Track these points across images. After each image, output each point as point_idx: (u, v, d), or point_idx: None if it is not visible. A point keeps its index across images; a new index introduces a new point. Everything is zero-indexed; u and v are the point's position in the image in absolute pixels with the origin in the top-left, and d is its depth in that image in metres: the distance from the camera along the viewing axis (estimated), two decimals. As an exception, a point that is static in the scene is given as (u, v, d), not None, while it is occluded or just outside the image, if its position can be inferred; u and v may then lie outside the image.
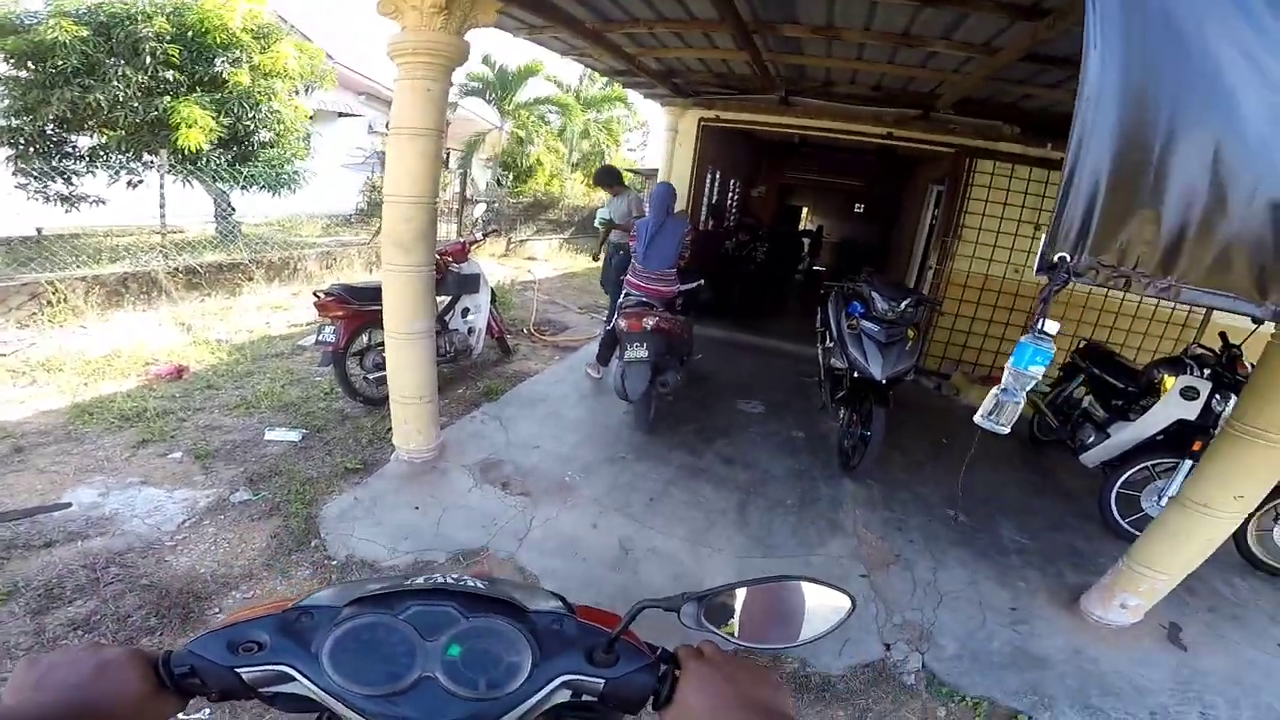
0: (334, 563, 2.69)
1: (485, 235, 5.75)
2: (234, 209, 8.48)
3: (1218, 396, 3.23)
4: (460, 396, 4.44)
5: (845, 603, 0.71)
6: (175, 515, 2.87)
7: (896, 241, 10.14)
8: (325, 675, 0.63)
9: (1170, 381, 3.38)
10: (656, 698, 0.65)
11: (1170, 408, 3.31)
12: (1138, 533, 2.92)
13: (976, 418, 1.70)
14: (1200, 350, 3.60)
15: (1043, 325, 1.58)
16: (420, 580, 0.73)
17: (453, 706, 0.62)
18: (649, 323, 3.75)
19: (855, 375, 3.67)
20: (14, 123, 6.96)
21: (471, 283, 4.65)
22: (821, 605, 0.71)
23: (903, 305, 3.66)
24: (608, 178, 5.48)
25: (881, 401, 3.51)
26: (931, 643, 2.53)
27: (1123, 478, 3.43)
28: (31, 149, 7.17)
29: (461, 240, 4.72)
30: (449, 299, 4.58)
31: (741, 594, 0.71)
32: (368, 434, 3.73)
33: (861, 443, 3.68)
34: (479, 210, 5.79)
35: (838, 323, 3.91)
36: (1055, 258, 1.40)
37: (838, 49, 4.17)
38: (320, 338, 3.70)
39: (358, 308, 3.78)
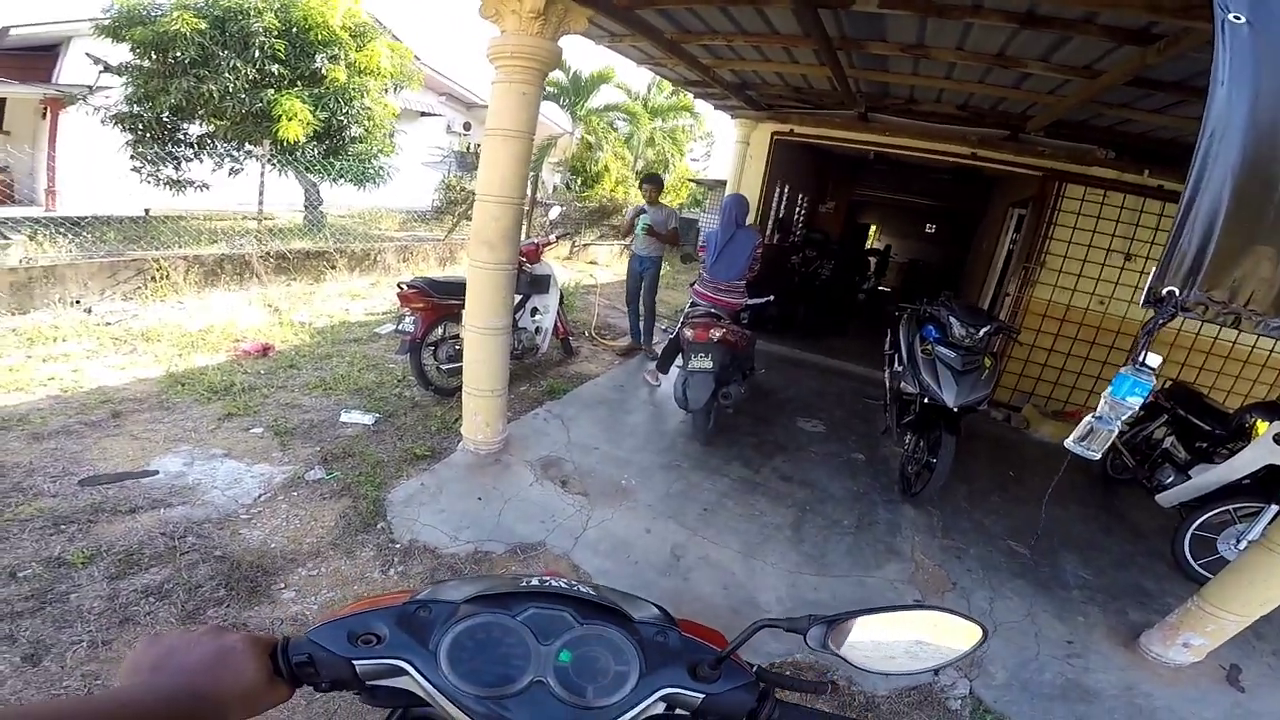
0: (397, 546, 2.77)
1: (558, 238, 5.91)
2: (321, 200, 8.96)
3: None
4: (524, 393, 4.55)
5: (976, 633, 0.70)
6: (252, 489, 3.02)
7: (970, 265, 9.78)
8: (440, 673, 0.63)
9: (1263, 426, 3.27)
10: (753, 716, 0.65)
11: (1262, 452, 3.18)
12: (1210, 575, 2.86)
13: (1068, 442, 1.69)
14: (1299, 396, 3.40)
15: (1144, 358, 1.56)
16: (535, 581, 0.73)
17: (559, 713, 0.62)
18: (715, 334, 3.76)
19: (925, 401, 3.58)
20: (135, 110, 7.55)
21: (542, 283, 4.78)
22: (949, 634, 0.70)
23: (981, 332, 3.55)
24: (654, 183, 5.49)
25: (951, 429, 3.41)
26: (981, 670, 2.48)
27: (1200, 520, 3.32)
28: (148, 135, 7.76)
29: (535, 241, 4.84)
30: (520, 298, 4.71)
31: (866, 620, 0.69)
32: (437, 422, 3.88)
33: (926, 470, 3.59)
34: (553, 213, 5.94)
35: (910, 346, 3.82)
36: (1164, 291, 1.37)
37: (925, 67, 4.09)
38: (400, 327, 3.88)
39: (437, 301, 3.95)
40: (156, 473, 3.02)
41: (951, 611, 0.70)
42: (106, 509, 2.71)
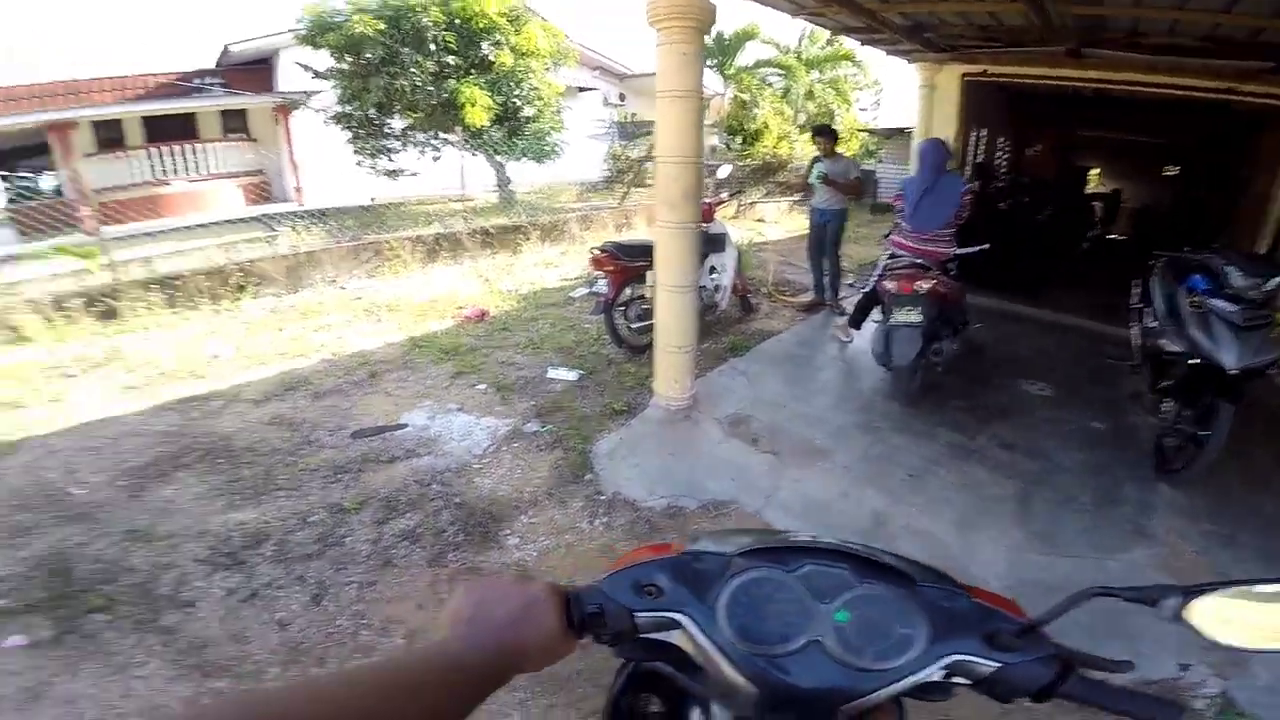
0: (602, 498, 2.92)
1: (731, 195, 5.84)
2: (509, 179, 9.71)
3: None
4: (707, 351, 4.59)
5: None
6: (482, 440, 3.37)
7: (1231, 211, 8.00)
8: (718, 628, 0.61)
9: None
10: (1046, 690, 0.58)
11: None
12: None
13: None
14: None
15: None
16: (807, 537, 0.70)
17: (834, 674, 0.58)
18: (923, 286, 3.47)
19: (1193, 362, 2.99)
20: (346, 109, 8.67)
21: (718, 242, 4.79)
22: None
23: (1272, 282, 2.89)
24: (827, 134, 5.18)
25: (1230, 396, 2.82)
26: (1243, 670, 2.10)
27: None
28: (362, 131, 8.90)
29: (706, 201, 4.83)
30: (699, 258, 4.75)
31: (1232, 591, 0.59)
32: (631, 379, 4.07)
33: (1191, 443, 3.02)
34: (722, 171, 5.89)
35: (1170, 298, 3.22)
36: None
37: None
38: (594, 289, 4.13)
39: (626, 263, 4.13)
40: (406, 425, 3.48)
41: None
42: (372, 459, 3.14)
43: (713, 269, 4.89)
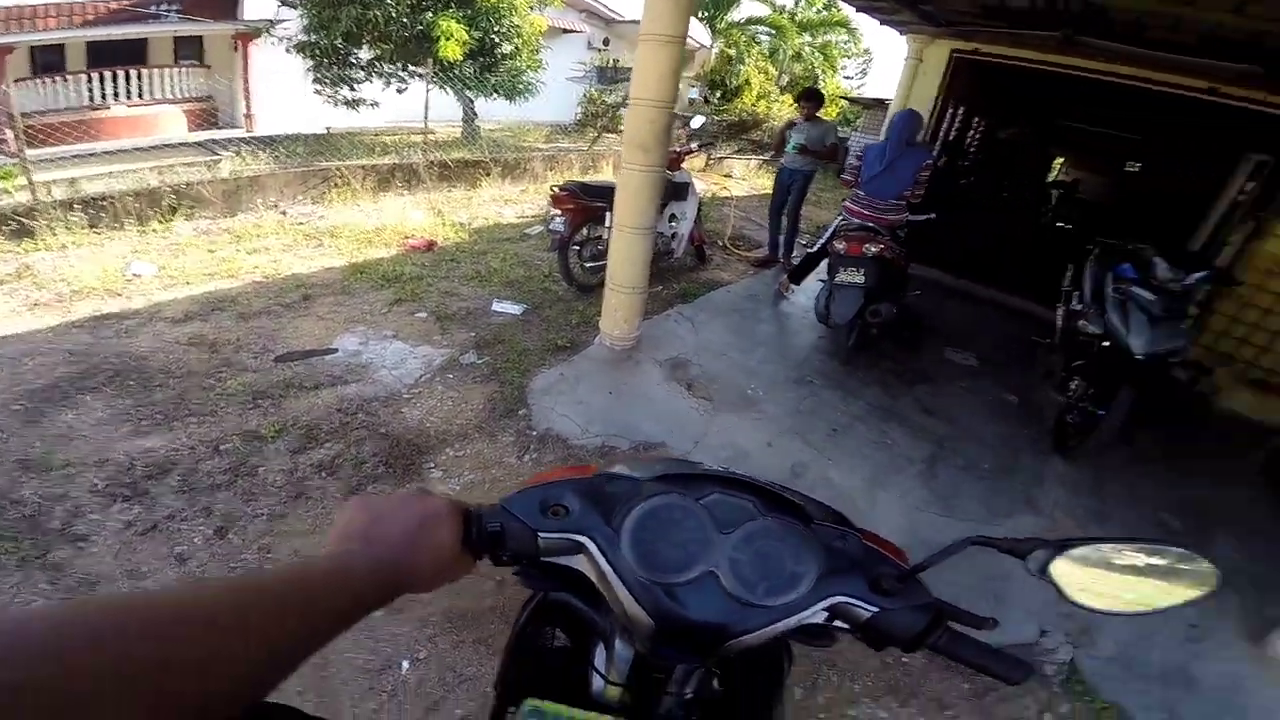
0: (534, 433, 2.92)
1: (699, 147, 5.78)
2: (476, 114, 9.39)
3: None
4: (658, 295, 4.62)
5: (1209, 581, 0.62)
6: (415, 369, 3.30)
7: (1176, 210, 8.33)
8: (620, 553, 0.60)
9: None
10: (917, 640, 0.59)
11: None
12: None
13: None
14: None
15: None
16: (718, 468, 0.70)
17: (725, 608, 0.59)
18: (871, 249, 3.54)
19: (1106, 345, 3.17)
20: (312, 38, 8.22)
21: (682, 190, 4.78)
22: (1179, 576, 0.63)
23: (1192, 277, 3.07)
24: (813, 99, 5.14)
25: (1132, 382, 3.01)
26: (1091, 640, 2.29)
27: None
28: (325, 60, 8.46)
29: (676, 150, 4.82)
30: (659, 203, 4.74)
31: (1099, 549, 0.62)
32: (578, 316, 4.08)
33: (1088, 422, 3.22)
34: (695, 123, 5.82)
35: (1098, 283, 3.37)
36: None
37: None
38: (551, 226, 4.07)
39: (585, 203, 4.09)
40: (336, 350, 3.37)
41: (1190, 551, 0.62)
42: (295, 385, 3.01)
43: (673, 216, 4.89)
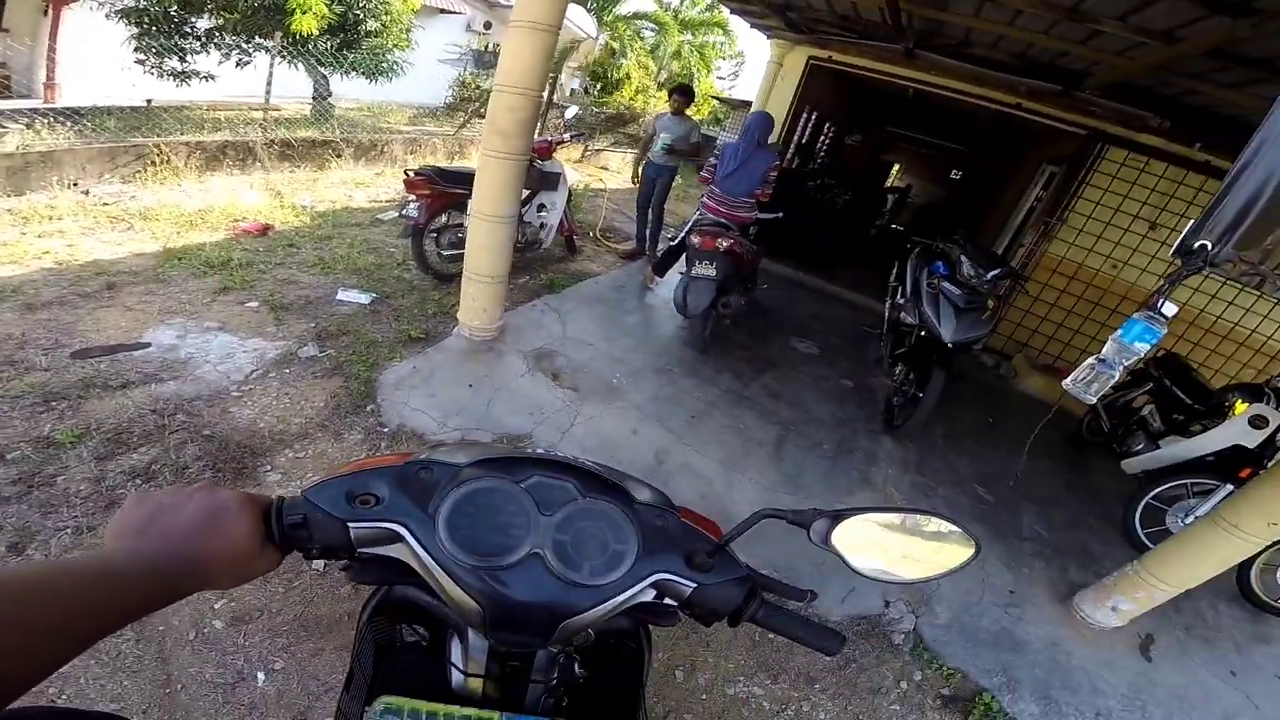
0: (385, 430, 2.75)
1: (573, 138, 5.74)
2: (330, 92, 8.68)
3: None
4: (524, 285, 4.55)
5: (970, 548, 0.68)
6: (245, 365, 2.96)
7: (990, 213, 9.60)
8: (437, 540, 0.59)
9: (1242, 407, 3.23)
10: (738, 614, 0.63)
11: (1233, 431, 3.18)
12: (1152, 545, 2.95)
13: (1067, 382, 1.71)
14: (1283, 384, 3.40)
15: (1162, 305, 1.58)
16: (541, 450, 0.70)
17: (552, 589, 0.59)
18: (722, 244, 3.73)
19: (922, 334, 3.59)
20: (141, 4, 7.16)
21: (551, 180, 4.71)
22: (944, 546, 0.69)
23: (990, 275, 3.55)
24: (685, 94, 5.33)
25: (943, 365, 3.43)
26: (928, 608, 2.55)
27: (1156, 490, 3.37)
28: (154, 28, 7.39)
29: (549, 139, 4.77)
30: (528, 192, 4.64)
31: (872, 519, 0.67)
32: (434, 306, 3.90)
33: (911, 403, 3.64)
34: (569, 112, 5.77)
35: (916, 279, 3.80)
36: (1196, 244, 1.42)
37: (990, 11, 3.79)
38: (405, 212, 3.83)
39: (443, 189, 3.89)
40: (149, 345, 2.94)
41: (952, 521, 0.68)
42: (98, 384, 2.62)
43: (542, 206, 4.81)
